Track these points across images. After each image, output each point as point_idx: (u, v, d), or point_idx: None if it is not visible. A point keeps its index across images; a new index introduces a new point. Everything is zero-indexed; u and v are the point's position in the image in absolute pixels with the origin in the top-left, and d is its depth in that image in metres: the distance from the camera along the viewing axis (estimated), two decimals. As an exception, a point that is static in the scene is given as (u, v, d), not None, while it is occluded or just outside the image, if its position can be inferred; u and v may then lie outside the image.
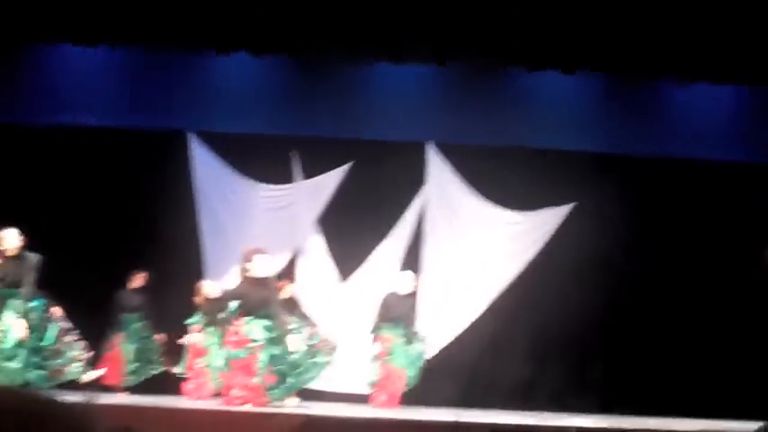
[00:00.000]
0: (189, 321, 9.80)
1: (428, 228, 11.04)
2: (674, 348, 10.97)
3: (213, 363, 9.19)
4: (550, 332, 11.06)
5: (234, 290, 8.28)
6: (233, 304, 8.48)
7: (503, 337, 11.10)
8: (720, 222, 11.05)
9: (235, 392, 8.16)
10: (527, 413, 9.62)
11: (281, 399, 8.27)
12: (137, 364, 10.22)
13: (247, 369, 7.99)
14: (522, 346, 11.13)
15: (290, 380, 8.37)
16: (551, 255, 11.03)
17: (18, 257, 8.34)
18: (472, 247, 11.06)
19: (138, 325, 10.31)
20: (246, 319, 8.19)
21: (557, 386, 11.03)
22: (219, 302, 9.05)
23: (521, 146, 11.11)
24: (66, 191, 10.77)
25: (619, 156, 11.15)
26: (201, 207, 10.88)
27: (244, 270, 8.17)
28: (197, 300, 9.84)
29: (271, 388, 8.16)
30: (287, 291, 9.93)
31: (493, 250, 11.04)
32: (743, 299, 10.80)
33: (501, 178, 10.98)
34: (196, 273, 10.44)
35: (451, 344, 10.90)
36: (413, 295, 10.11)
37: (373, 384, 9.76)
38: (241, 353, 8.05)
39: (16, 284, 8.18)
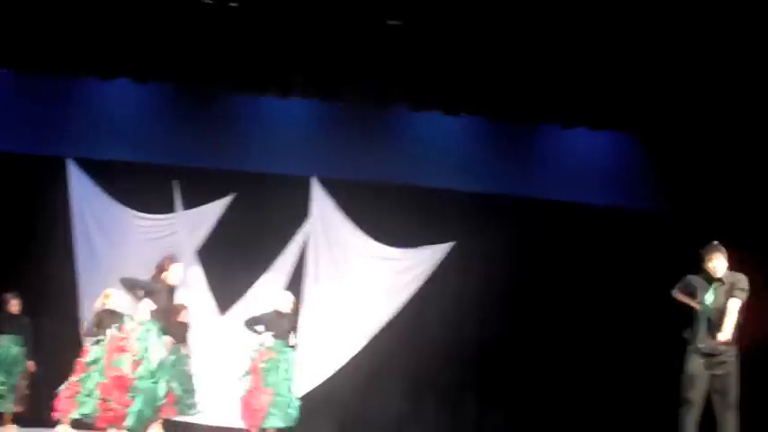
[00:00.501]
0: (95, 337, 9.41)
1: (310, 262, 11.01)
2: (551, 388, 11.16)
3: (86, 383, 8.86)
4: (427, 371, 11.14)
5: (149, 283, 8.14)
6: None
7: (380, 374, 11.12)
8: (597, 265, 11.36)
9: (106, 407, 7.85)
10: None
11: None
12: (3, 388, 9.84)
13: (121, 383, 7.70)
14: (398, 384, 11.19)
15: (146, 408, 7.98)
16: (430, 293, 11.13)
17: None
18: (353, 283, 11.07)
19: (12, 349, 9.94)
20: (146, 325, 7.98)
21: (432, 425, 11.10)
22: (115, 315, 8.91)
23: (403, 183, 11.23)
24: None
25: (498, 195, 11.36)
26: (78, 234, 10.60)
27: (160, 278, 8.13)
28: (97, 309, 9.53)
29: (130, 410, 7.85)
30: (182, 315, 9.90)
31: (373, 286, 11.07)
32: (619, 338, 11.10)
33: (382, 215, 11.06)
34: (69, 299, 10.18)
35: (329, 380, 10.84)
36: (293, 315, 10.08)
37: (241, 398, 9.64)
38: (122, 361, 7.79)
39: None
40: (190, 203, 10.88)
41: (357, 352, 10.97)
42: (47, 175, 10.61)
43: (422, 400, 11.14)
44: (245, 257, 10.82)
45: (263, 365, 9.60)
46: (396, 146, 11.31)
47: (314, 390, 10.61)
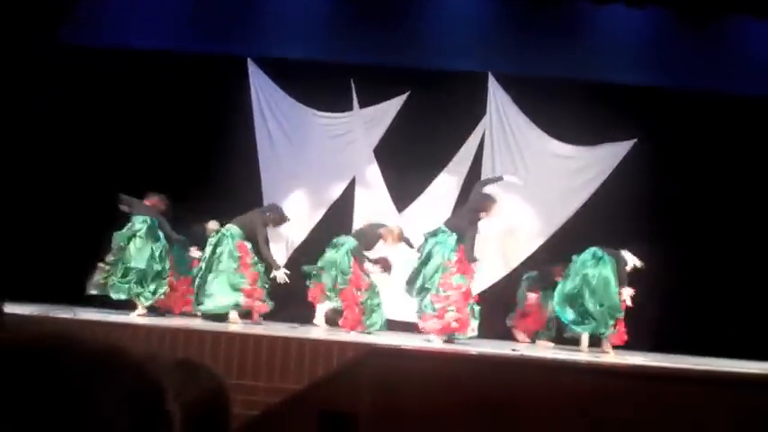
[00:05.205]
0: None
1: (486, 160, 10.83)
2: (737, 290, 10.74)
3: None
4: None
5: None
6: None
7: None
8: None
9: None
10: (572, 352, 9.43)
11: None
12: None
13: None
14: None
15: None
16: (608, 193, 10.79)
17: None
18: (530, 183, 10.79)
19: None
20: None
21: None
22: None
23: (582, 79, 10.81)
24: (125, 114, 10.68)
25: (683, 90, 10.82)
26: (259, 133, 10.73)
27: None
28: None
29: None
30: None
31: (550, 186, 10.76)
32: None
33: (560, 112, 10.68)
34: (253, 200, 10.31)
35: (503, 280, 10.72)
36: None
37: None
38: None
39: None
40: (366, 101, 10.82)
41: (532, 252, 10.78)
42: (228, 75, 10.70)
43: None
44: (421, 156, 10.70)
45: None
46: (576, 41, 10.88)
47: (486, 290, 10.49)
